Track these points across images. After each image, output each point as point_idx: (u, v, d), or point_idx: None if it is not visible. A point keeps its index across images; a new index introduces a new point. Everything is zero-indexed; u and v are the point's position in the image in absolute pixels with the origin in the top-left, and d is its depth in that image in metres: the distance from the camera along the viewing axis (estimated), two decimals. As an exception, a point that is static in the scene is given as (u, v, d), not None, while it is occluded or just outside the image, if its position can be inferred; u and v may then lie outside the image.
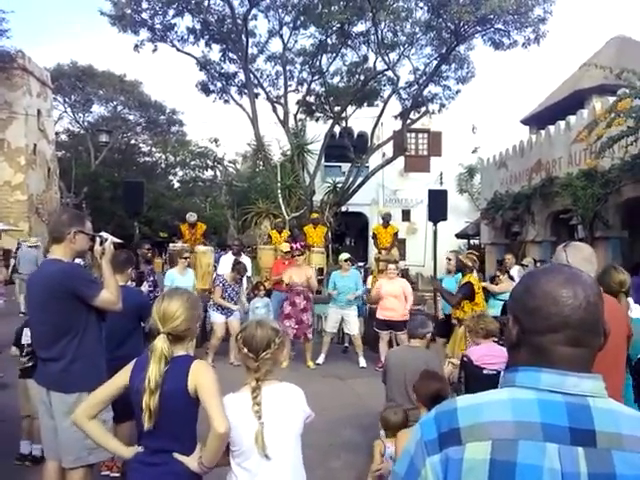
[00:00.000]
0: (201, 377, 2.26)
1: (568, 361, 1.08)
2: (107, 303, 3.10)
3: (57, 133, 29.46)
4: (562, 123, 13.45)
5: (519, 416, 1.03)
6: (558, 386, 1.05)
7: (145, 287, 6.95)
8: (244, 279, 8.88)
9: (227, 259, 9.72)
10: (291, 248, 9.11)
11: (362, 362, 8.32)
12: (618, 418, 1.04)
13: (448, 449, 1.04)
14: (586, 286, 1.11)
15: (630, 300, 4.02)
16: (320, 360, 8.38)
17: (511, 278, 8.66)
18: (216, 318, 8.26)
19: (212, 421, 2.16)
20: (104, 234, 3.54)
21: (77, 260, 3.38)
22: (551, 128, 13.99)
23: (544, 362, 1.08)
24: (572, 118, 12.99)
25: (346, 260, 8.70)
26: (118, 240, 13.91)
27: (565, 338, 1.08)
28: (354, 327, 8.51)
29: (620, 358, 2.54)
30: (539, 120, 18.26)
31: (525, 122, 20.31)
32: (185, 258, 8.45)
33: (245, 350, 2.35)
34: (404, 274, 8.78)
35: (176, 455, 2.25)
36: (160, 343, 2.28)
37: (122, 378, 2.36)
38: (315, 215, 13.17)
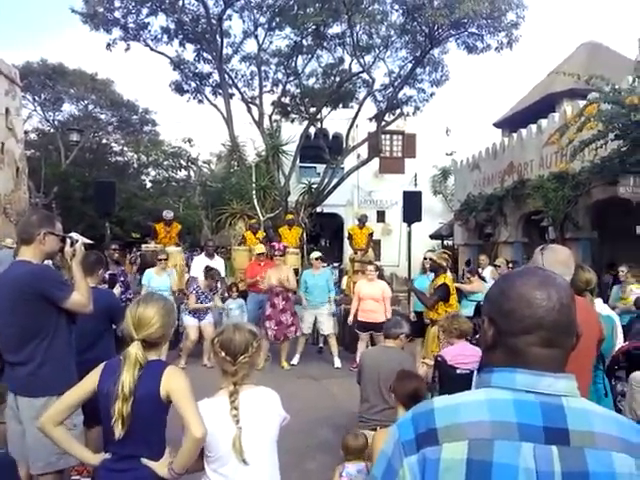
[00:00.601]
0: (174, 382, 2.22)
1: (542, 362, 1.09)
2: (77, 305, 3.03)
3: (26, 132, 28.82)
4: (534, 126, 13.67)
5: (495, 416, 1.04)
6: (533, 386, 1.07)
7: (117, 289, 6.82)
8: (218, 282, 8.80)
9: (200, 260, 9.63)
10: (272, 248, 9.05)
11: (337, 362, 8.32)
12: (590, 417, 1.06)
13: (425, 449, 1.04)
14: (559, 288, 1.13)
15: (599, 300, 4.10)
16: (295, 361, 8.36)
17: (482, 278, 8.76)
18: (189, 322, 8.19)
19: (189, 426, 2.12)
20: (74, 235, 3.47)
21: (47, 262, 3.29)
22: (523, 131, 14.21)
23: (519, 363, 1.10)
24: (544, 121, 13.21)
25: (317, 258, 8.70)
26: (88, 241, 13.67)
27: (539, 339, 1.10)
28: (328, 327, 8.50)
29: (589, 359, 2.59)
30: (511, 123, 18.54)
31: (498, 125, 20.61)
32: (161, 260, 8.34)
33: (223, 354, 2.31)
34: (379, 275, 8.80)
35: (144, 461, 2.21)
36: (134, 350, 2.23)
37: (91, 382, 2.31)
38: (290, 216, 13.15)
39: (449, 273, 6.89)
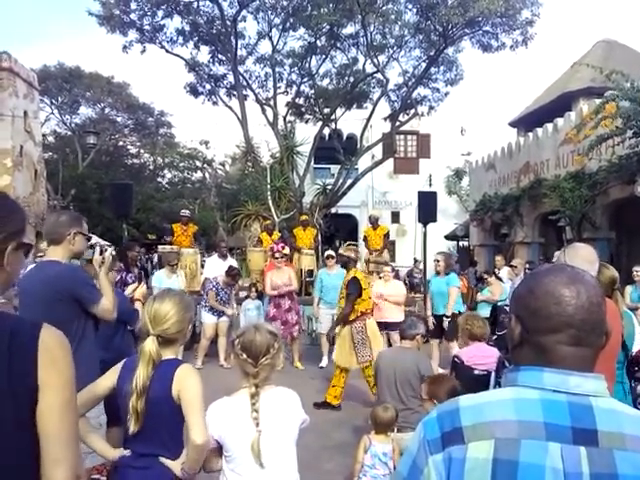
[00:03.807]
0: (185, 383, 2.20)
1: (571, 361, 1.07)
2: (105, 311, 3.03)
3: (44, 135, 29.17)
4: (550, 125, 13.55)
5: (522, 415, 1.03)
6: (561, 386, 1.05)
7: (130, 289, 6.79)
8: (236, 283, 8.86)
9: (213, 261, 9.69)
10: (271, 250, 9.06)
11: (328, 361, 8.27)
12: (620, 418, 1.04)
13: (451, 448, 1.04)
14: (588, 286, 1.11)
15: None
16: (323, 363, 8.33)
17: (499, 279, 8.71)
18: (207, 319, 8.24)
19: (190, 431, 2.11)
20: (94, 238, 3.51)
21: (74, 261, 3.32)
22: (539, 130, 14.08)
23: (547, 362, 1.08)
24: (560, 120, 13.08)
25: (327, 257, 8.67)
26: (106, 243, 13.80)
27: (568, 338, 1.08)
28: None
29: (614, 357, 2.56)
30: (527, 122, 18.38)
31: (513, 124, 20.43)
32: (172, 265, 8.44)
33: (244, 356, 2.30)
34: (395, 275, 8.79)
35: (162, 459, 2.22)
36: (149, 345, 2.22)
37: (109, 379, 2.32)
38: (304, 217, 13.15)
39: (359, 265, 6.67)
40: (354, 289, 6.07)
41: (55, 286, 2.96)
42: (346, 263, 6.40)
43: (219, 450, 2.28)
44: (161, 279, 8.22)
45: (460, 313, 7.54)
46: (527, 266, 8.93)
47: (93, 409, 2.69)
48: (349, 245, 6.76)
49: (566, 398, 1.04)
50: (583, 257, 2.63)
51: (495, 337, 6.80)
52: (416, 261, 15.21)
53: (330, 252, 8.87)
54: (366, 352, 6.03)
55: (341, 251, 6.60)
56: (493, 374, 3.98)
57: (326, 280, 8.48)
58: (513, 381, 1.11)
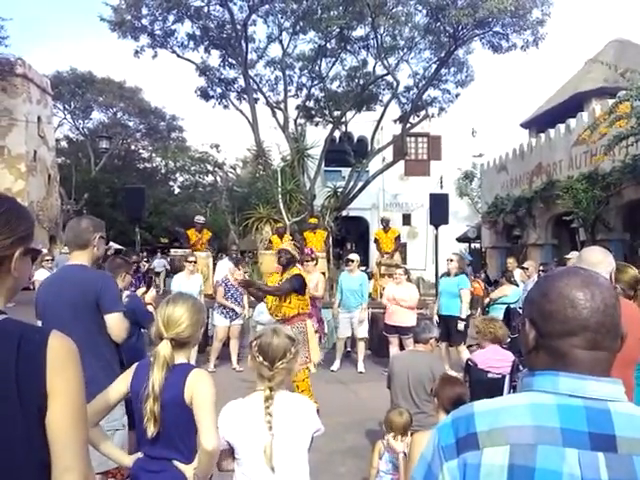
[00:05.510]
0: (197, 388, 2.20)
1: (587, 365, 1.06)
2: (117, 326, 3.03)
3: (57, 140, 29.48)
4: (562, 126, 13.46)
5: (538, 421, 1.01)
6: (577, 390, 1.04)
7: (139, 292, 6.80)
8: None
9: (224, 265, 9.69)
10: (302, 253, 9.04)
11: (361, 367, 8.25)
12: (639, 423, 1.02)
13: (466, 454, 1.02)
14: (603, 288, 1.09)
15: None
16: (335, 367, 8.31)
17: (513, 282, 8.64)
18: (219, 321, 8.22)
19: (201, 437, 2.11)
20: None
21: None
22: (551, 131, 14.00)
23: (562, 366, 1.06)
24: (572, 121, 13.00)
25: (351, 260, 8.64)
26: (118, 246, 13.93)
27: (583, 341, 1.06)
28: (362, 330, 8.44)
29: (632, 361, 2.52)
30: (539, 123, 18.29)
31: (525, 125, 20.34)
32: (190, 262, 8.41)
33: (260, 359, 2.30)
34: (407, 278, 8.74)
35: (175, 463, 2.22)
36: (163, 349, 2.23)
37: (122, 384, 2.32)
38: (313, 220, 13.13)
39: (299, 265, 6.32)
40: (298, 284, 5.65)
41: (88, 290, 2.98)
42: (289, 262, 5.90)
43: (231, 451, 2.28)
44: (180, 282, 8.20)
45: (459, 318, 7.52)
46: (541, 268, 8.86)
47: (118, 410, 2.71)
48: (292, 243, 6.31)
49: (583, 403, 1.02)
50: (586, 261, 2.59)
51: (509, 340, 6.76)
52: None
53: (354, 257, 8.81)
54: (304, 354, 5.66)
55: (288, 248, 5.99)
56: (507, 377, 3.95)
57: (346, 283, 8.45)
58: (528, 386, 1.09)
